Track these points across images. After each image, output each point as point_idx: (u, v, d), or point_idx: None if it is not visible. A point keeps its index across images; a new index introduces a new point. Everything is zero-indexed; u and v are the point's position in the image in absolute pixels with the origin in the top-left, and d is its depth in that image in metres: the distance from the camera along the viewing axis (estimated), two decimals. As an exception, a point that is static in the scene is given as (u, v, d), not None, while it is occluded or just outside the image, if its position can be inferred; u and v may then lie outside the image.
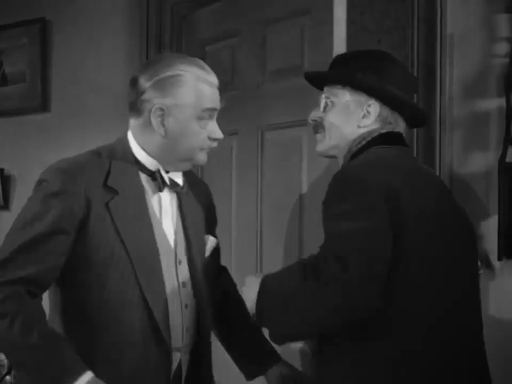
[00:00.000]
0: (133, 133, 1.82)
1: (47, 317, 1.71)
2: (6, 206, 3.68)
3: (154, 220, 1.78)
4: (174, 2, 3.22)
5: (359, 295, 1.63)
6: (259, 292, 1.75)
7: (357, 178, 1.74)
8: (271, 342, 1.85)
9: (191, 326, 1.83)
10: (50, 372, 1.60)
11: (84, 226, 1.68)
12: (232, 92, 2.78)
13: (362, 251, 1.64)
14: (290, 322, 1.72)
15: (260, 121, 2.61)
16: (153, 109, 1.74)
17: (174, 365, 1.80)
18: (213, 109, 1.79)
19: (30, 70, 3.59)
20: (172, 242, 1.81)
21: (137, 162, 1.79)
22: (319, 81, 2.04)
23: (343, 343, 1.73)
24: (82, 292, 1.70)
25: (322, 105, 1.96)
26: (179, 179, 1.84)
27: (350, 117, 1.92)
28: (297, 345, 1.96)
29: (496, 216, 2.36)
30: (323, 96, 1.97)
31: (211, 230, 2.00)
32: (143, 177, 1.79)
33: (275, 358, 2.03)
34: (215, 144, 1.83)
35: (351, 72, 1.93)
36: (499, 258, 2.34)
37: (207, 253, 1.94)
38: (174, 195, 1.85)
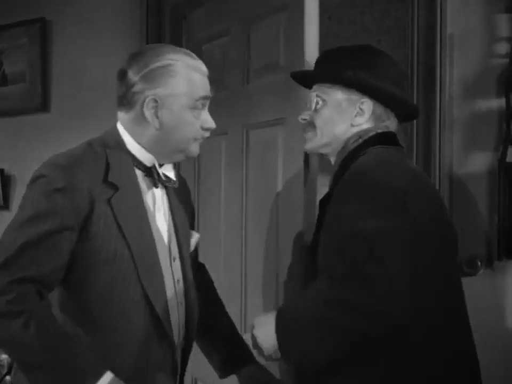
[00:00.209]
0: (124, 127, 1.78)
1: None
2: (6, 206, 3.68)
3: (150, 216, 1.77)
4: (173, 2, 3.22)
5: (398, 296, 1.60)
6: (278, 329, 1.71)
7: (377, 180, 1.71)
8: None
9: (184, 323, 1.83)
10: (69, 373, 1.57)
11: (87, 223, 1.65)
12: (222, 91, 2.79)
13: (395, 250, 1.62)
14: (325, 344, 1.66)
15: (245, 120, 2.61)
16: (146, 101, 1.71)
17: (175, 361, 1.81)
18: (206, 97, 1.77)
19: (30, 70, 3.59)
20: (166, 239, 1.80)
21: (131, 156, 1.76)
22: (308, 79, 2.01)
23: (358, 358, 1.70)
24: (83, 290, 1.68)
25: (313, 104, 1.93)
26: (171, 174, 1.83)
27: (343, 115, 1.90)
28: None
29: (496, 216, 2.36)
30: (314, 94, 1.94)
31: (192, 225, 1.99)
32: (138, 172, 1.77)
33: (248, 358, 2.01)
34: (207, 134, 1.81)
35: (341, 69, 1.89)
36: (499, 258, 2.34)
37: (192, 248, 1.93)
38: (164, 191, 1.84)
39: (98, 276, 1.67)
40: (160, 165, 1.80)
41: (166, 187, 1.84)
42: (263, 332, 1.76)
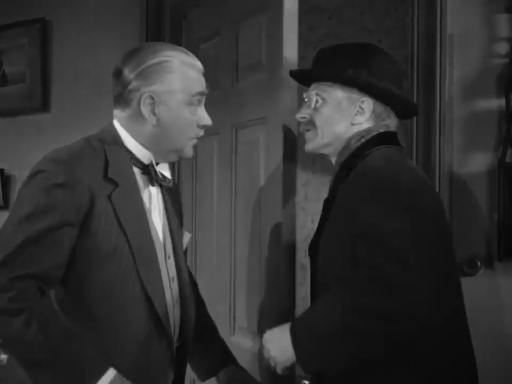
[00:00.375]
0: (121, 124, 1.78)
1: None
2: (6, 206, 3.67)
3: (147, 214, 1.77)
4: (173, 2, 3.22)
5: (423, 299, 1.60)
6: (295, 340, 1.71)
7: (390, 180, 1.72)
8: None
9: (179, 321, 1.82)
10: (72, 370, 1.57)
11: (87, 218, 1.64)
12: (216, 90, 2.81)
13: (416, 253, 1.62)
14: (351, 353, 1.67)
15: (234, 119, 2.62)
16: (142, 98, 1.71)
17: (174, 359, 1.80)
18: (202, 93, 1.77)
19: (30, 70, 3.59)
20: (161, 237, 1.80)
21: (129, 153, 1.76)
22: (307, 78, 2.00)
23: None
24: (83, 287, 1.66)
25: (312, 102, 1.92)
26: (167, 173, 1.83)
27: (343, 114, 1.89)
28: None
29: (496, 216, 2.36)
30: (313, 93, 1.92)
31: (182, 224, 1.99)
32: (135, 169, 1.76)
33: (228, 360, 2.00)
34: (202, 133, 1.81)
35: (341, 68, 1.89)
36: (499, 259, 2.34)
37: (183, 248, 1.93)
38: (159, 189, 1.83)
39: (99, 272, 1.66)
40: (156, 164, 1.80)
41: (160, 186, 1.83)
42: (276, 345, 1.76)
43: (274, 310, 2.32)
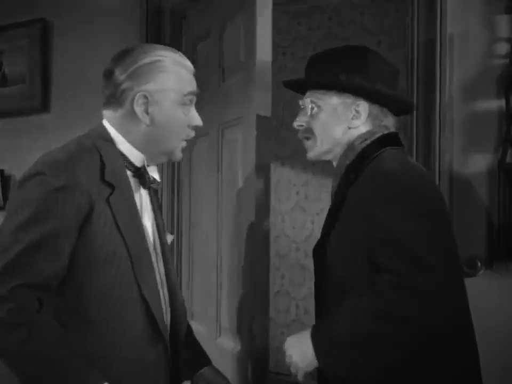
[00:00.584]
0: (113, 125, 1.75)
1: None
2: (5, 206, 3.68)
3: (140, 216, 1.76)
4: (173, 3, 3.22)
5: (449, 303, 1.64)
6: (319, 347, 1.72)
7: (408, 183, 1.74)
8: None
9: (170, 324, 1.81)
10: None
11: (86, 222, 1.60)
12: (207, 91, 2.82)
13: (440, 257, 1.65)
14: (379, 359, 1.68)
15: (220, 119, 2.63)
16: (136, 97, 1.70)
17: (170, 363, 1.78)
18: (193, 93, 1.77)
19: (30, 70, 3.59)
20: (152, 240, 1.79)
21: (122, 155, 1.73)
22: (302, 86, 2.00)
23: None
24: (81, 291, 1.63)
25: (308, 110, 1.93)
26: (157, 175, 1.82)
27: (339, 119, 1.89)
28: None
29: (496, 217, 2.36)
30: (308, 100, 1.93)
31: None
32: (128, 172, 1.75)
33: (203, 362, 1.97)
34: (193, 134, 1.80)
35: (334, 74, 1.89)
36: (499, 259, 2.34)
37: None
38: (147, 192, 1.81)
39: (98, 276, 1.63)
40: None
41: (148, 188, 1.82)
42: (298, 351, 1.77)
43: (250, 309, 2.32)
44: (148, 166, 1.78)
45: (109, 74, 1.74)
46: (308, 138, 1.95)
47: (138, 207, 1.75)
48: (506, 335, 2.33)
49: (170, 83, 1.72)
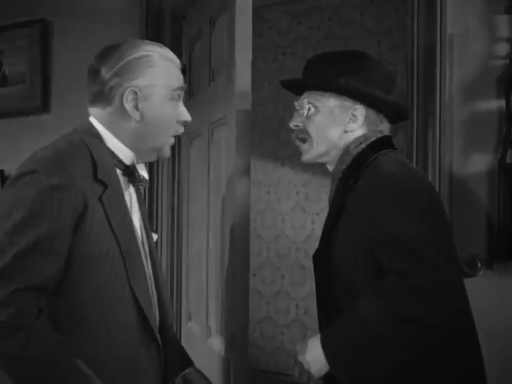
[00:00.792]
0: (101, 122, 1.73)
1: None
2: (6, 206, 3.67)
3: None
4: (173, 3, 3.22)
5: (455, 303, 1.68)
6: (329, 351, 1.74)
7: (412, 185, 1.76)
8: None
9: (158, 324, 1.79)
10: None
11: (81, 220, 1.57)
12: (200, 91, 2.83)
13: (445, 257, 1.68)
14: (389, 360, 1.71)
15: (210, 118, 2.63)
16: (125, 93, 1.68)
17: (162, 363, 1.78)
18: (182, 88, 1.76)
19: (30, 70, 3.59)
20: (140, 239, 1.77)
21: (112, 154, 1.71)
22: (299, 87, 2.01)
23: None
24: (75, 291, 1.60)
25: (305, 110, 1.93)
26: (145, 173, 1.80)
27: (336, 122, 1.90)
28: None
29: (496, 217, 2.36)
30: (305, 101, 1.94)
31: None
32: (117, 171, 1.73)
33: (186, 364, 1.93)
34: (182, 130, 1.79)
35: (332, 76, 1.90)
36: (499, 259, 2.34)
37: None
38: (134, 190, 1.80)
39: (93, 274, 1.60)
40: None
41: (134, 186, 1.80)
42: (309, 358, 1.78)
43: (228, 309, 2.32)
44: (137, 163, 1.77)
45: (95, 72, 1.71)
46: (303, 141, 1.95)
47: (128, 206, 1.73)
48: (506, 335, 2.33)
49: (159, 78, 1.71)
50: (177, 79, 1.75)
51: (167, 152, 1.79)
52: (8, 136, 3.68)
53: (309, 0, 4.62)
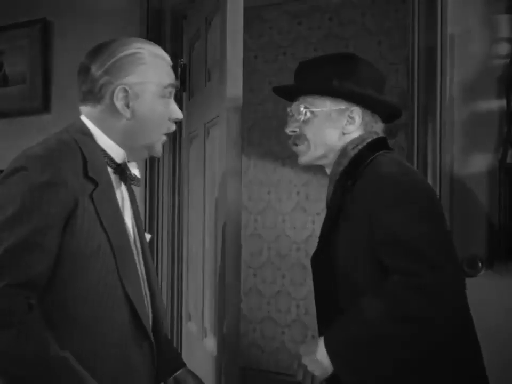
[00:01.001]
0: (92, 120, 1.72)
1: None
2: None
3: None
4: (173, 2, 3.22)
5: (457, 301, 1.70)
6: (334, 353, 1.73)
7: (412, 185, 1.77)
8: None
9: (151, 322, 1.77)
10: None
11: (71, 217, 1.56)
12: (197, 91, 2.82)
13: (447, 256, 1.69)
14: (391, 358, 1.72)
15: (206, 118, 2.64)
16: (116, 91, 1.67)
17: (155, 362, 1.76)
18: (173, 85, 1.75)
19: (30, 70, 3.59)
20: (132, 237, 1.76)
21: (103, 152, 1.70)
22: (293, 93, 2.00)
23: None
24: (66, 288, 1.58)
25: (301, 115, 1.92)
26: (137, 172, 1.79)
27: (333, 125, 1.90)
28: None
29: (497, 217, 2.36)
30: (301, 106, 1.93)
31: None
32: (108, 169, 1.71)
33: (178, 364, 1.92)
34: (174, 127, 1.78)
35: (326, 80, 1.90)
36: (500, 259, 2.34)
37: None
38: (126, 189, 1.78)
39: (84, 271, 1.59)
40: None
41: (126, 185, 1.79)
42: (313, 360, 1.77)
43: (221, 309, 2.32)
44: (128, 162, 1.76)
45: (85, 70, 1.72)
46: (298, 144, 1.95)
47: (120, 204, 1.72)
48: (506, 335, 2.33)
49: (150, 75, 1.70)
50: (168, 76, 1.74)
51: (158, 150, 1.78)
52: (9, 136, 3.68)
53: (310, 0, 4.62)
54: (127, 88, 1.68)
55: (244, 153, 4.14)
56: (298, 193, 4.80)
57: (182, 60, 3.15)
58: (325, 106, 1.91)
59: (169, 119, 1.75)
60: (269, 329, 4.88)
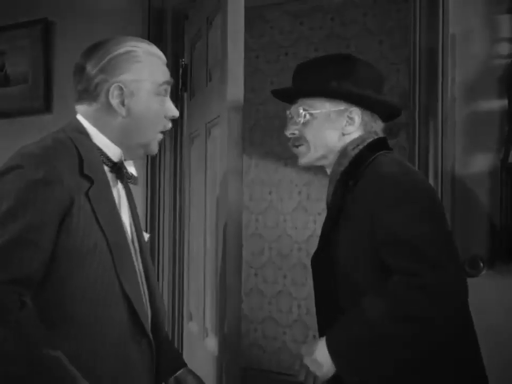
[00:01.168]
0: (88, 119, 1.72)
1: None
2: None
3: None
4: (174, 2, 3.22)
5: (459, 301, 1.70)
6: (335, 351, 1.74)
7: (413, 185, 1.78)
8: None
9: (150, 321, 1.77)
10: None
11: (66, 216, 1.56)
12: (198, 91, 2.82)
13: (450, 253, 1.70)
14: (392, 357, 1.72)
15: (207, 118, 2.64)
16: (111, 89, 1.67)
17: (154, 360, 1.75)
18: (168, 83, 1.75)
19: (32, 70, 3.59)
20: (130, 236, 1.76)
21: (99, 150, 1.70)
22: (292, 96, 2.00)
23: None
24: (63, 287, 1.58)
25: (301, 118, 1.93)
26: (134, 170, 1.79)
27: (333, 126, 1.91)
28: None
29: (498, 217, 2.36)
30: (300, 108, 1.93)
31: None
32: (105, 167, 1.71)
33: (179, 364, 1.91)
34: (169, 125, 1.78)
35: (324, 81, 1.90)
36: (501, 260, 2.34)
37: None
38: (123, 187, 1.78)
39: (81, 270, 1.59)
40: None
41: (125, 184, 1.79)
42: (315, 360, 1.77)
43: (222, 309, 2.32)
44: (125, 160, 1.76)
45: (80, 69, 1.71)
46: (299, 146, 1.95)
47: (116, 202, 1.72)
48: (507, 335, 2.33)
49: (145, 73, 1.70)
50: (163, 74, 1.74)
51: (154, 148, 1.77)
52: (10, 136, 3.68)
53: (311, 0, 4.62)
54: (122, 86, 1.68)
55: (245, 153, 4.14)
56: (299, 193, 4.80)
57: (183, 59, 3.15)
58: (324, 108, 1.91)
59: (165, 117, 1.75)
60: (270, 329, 4.88)
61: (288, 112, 1.98)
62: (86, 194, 1.61)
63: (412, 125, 2.58)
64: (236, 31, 2.27)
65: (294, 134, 1.96)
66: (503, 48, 2.38)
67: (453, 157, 2.46)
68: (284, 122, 2.03)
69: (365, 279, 1.76)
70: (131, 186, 1.83)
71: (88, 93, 1.71)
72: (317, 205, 4.67)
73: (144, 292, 1.74)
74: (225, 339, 2.25)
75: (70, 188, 1.57)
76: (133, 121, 1.71)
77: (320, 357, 1.75)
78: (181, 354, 1.97)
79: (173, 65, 3.10)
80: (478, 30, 2.43)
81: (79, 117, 1.74)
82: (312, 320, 4.64)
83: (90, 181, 1.63)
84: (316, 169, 4.52)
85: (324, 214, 1.97)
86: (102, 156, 1.71)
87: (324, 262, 1.85)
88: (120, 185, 1.75)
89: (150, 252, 3.07)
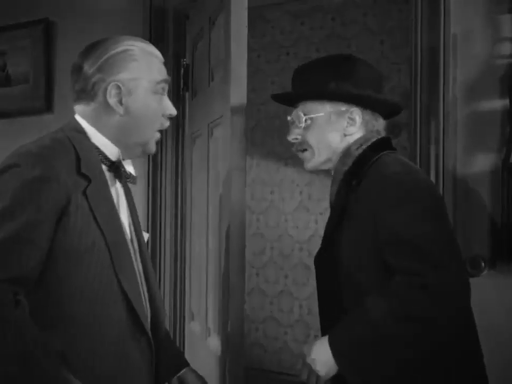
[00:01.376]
0: (86, 119, 1.72)
1: None
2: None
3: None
4: (175, 2, 3.22)
5: (461, 301, 1.70)
6: (338, 351, 1.74)
7: (416, 184, 1.78)
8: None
9: (149, 319, 1.76)
10: None
11: (64, 214, 1.56)
12: (200, 91, 2.82)
13: (452, 253, 1.70)
14: (395, 357, 1.72)
15: (209, 118, 2.64)
16: (108, 88, 1.67)
17: (153, 359, 1.75)
18: (165, 81, 1.75)
19: (33, 70, 3.59)
20: (128, 235, 1.76)
21: (97, 149, 1.70)
22: (292, 99, 2.00)
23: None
24: (61, 286, 1.58)
25: (302, 122, 1.92)
26: (132, 170, 1.79)
27: (334, 128, 1.91)
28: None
29: (500, 217, 2.35)
30: (300, 113, 1.93)
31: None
32: (103, 167, 1.72)
33: (181, 364, 1.92)
34: (167, 123, 1.78)
35: (323, 83, 1.90)
36: (503, 259, 2.34)
37: None
38: (122, 187, 1.78)
39: (79, 268, 1.59)
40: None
41: (123, 183, 1.79)
42: (317, 359, 1.78)
43: (224, 309, 2.32)
44: (123, 159, 1.76)
45: (78, 69, 1.71)
46: (303, 151, 1.95)
47: (115, 202, 1.72)
48: (508, 335, 2.33)
49: (142, 72, 1.71)
50: (160, 72, 1.75)
51: (152, 147, 1.78)
52: (11, 136, 3.68)
53: (312, 0, 4.62)
54: (120, 84, 1.68)
55: (246, 153, 4.14)
56: (301, 193, 4.80)
57: (184, 59, 3.15)
58: (324, 110, 1.91)
59: (162, 115, 1.76)
60: (272, 329, 4.88)
61: (289, 117, 1.98)
62: (84, 192, 1.61)
63: (413, 124, 2.58)
64: (239, 31, 2.27)
65: (296, 139, 1.96)
66: (504, 48, 2.38)
67: (454, 156, 2.46)
68: (285, 122, 2.03)
69: (368, 279, 1.76)
70: (132, 186, 1.83)
71: (85, 92, 1.71)
72: (318, 205, 4.67)
73: (143, 292, 1.74)
74: (228, 339, 2.25)
75: (66, 186, 1.57)
76: (131, 119, 1.71)
77: (323, 357, 1.76)
78: (183, 353, 1.96)
79: (174, 65, 3.11)
80: (479, 30, 2.43)
81: (77, 117, 1.74)
82: (314, 320, 4.65)
83: (88, 179, 1.63)
84: (317, 170, 4.51)
85: (326, 214, 1.98)
86: (100, 155, 1.71)
87: (327, 262, 1.86)
88: (118, 185, 1.76)
89: (152, 251, 3.09)
